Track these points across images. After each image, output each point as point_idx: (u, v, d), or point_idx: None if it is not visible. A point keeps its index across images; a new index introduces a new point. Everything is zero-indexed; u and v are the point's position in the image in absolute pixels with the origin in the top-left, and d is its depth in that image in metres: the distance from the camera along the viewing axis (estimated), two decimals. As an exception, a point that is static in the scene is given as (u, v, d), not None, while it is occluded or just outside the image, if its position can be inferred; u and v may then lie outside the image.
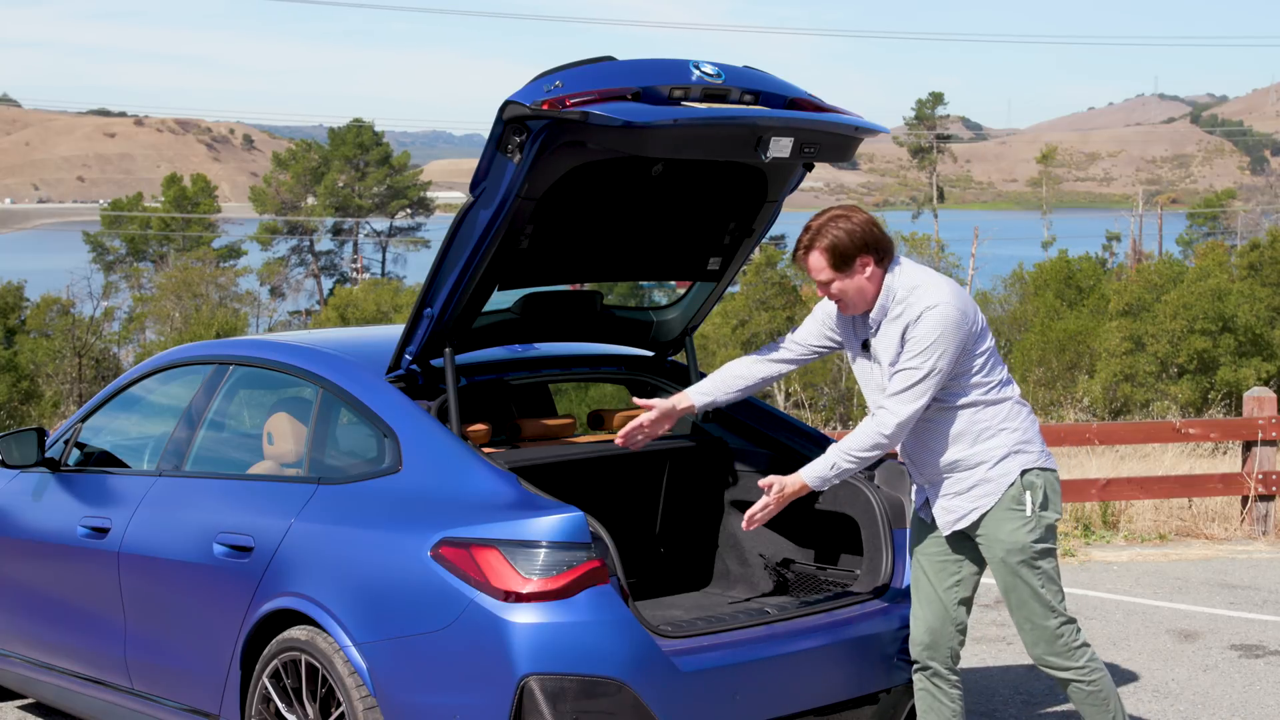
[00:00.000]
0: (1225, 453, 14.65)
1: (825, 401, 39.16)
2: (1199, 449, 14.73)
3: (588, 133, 4.44)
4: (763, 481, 4.83)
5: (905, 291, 4.74)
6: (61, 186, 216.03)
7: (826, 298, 4.85)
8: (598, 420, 5.82)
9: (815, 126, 4.78)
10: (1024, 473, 4.78)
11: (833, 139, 4.86)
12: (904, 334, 4.70)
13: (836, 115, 4.89)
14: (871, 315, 4.79)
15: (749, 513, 4.85)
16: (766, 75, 4.88)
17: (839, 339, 5.01)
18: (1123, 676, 7.08)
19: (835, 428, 23.33)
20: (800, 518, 5.57)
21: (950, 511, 4.86)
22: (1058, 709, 6.57)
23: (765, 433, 5.72)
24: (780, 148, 4.70)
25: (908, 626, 5.05)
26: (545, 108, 4.35)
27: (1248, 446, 11.02)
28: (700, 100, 4.62)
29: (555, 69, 4.50)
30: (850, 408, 37.80)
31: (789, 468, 5.54)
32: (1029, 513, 4.77)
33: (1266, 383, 33.28)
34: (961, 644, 4.96)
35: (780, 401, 32.21)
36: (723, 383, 5.06)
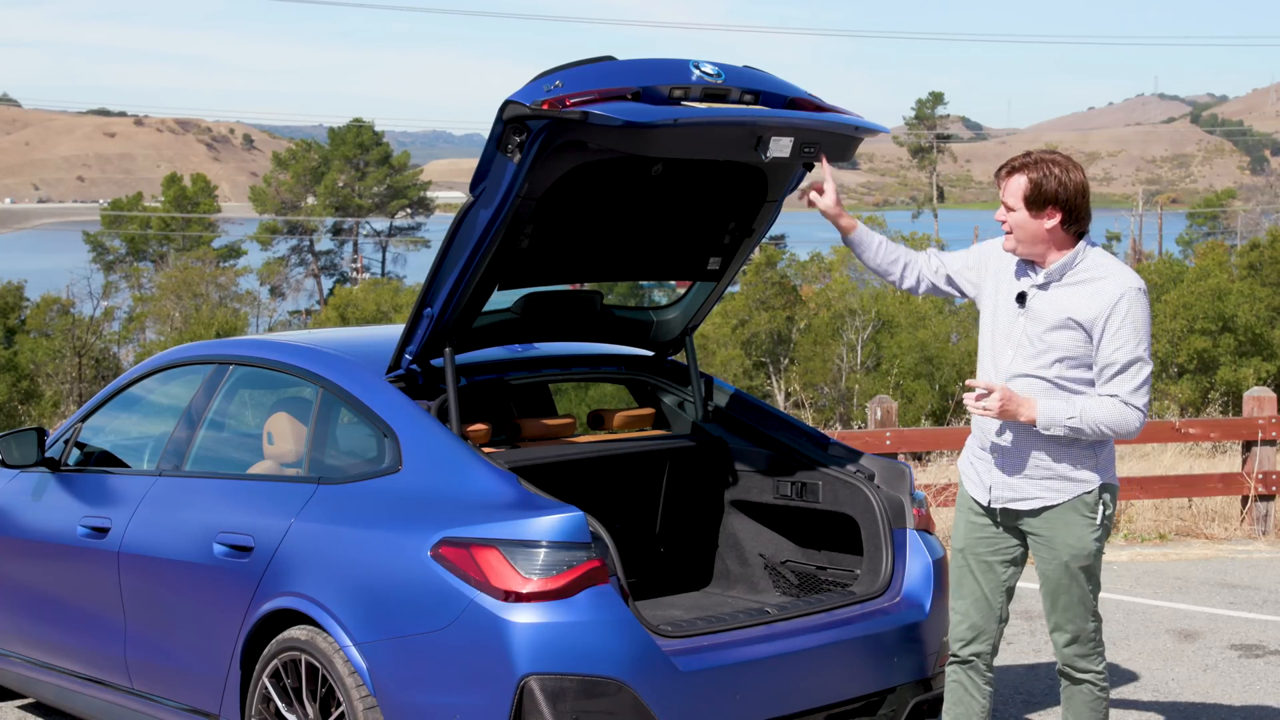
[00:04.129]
0: (1225, 452, 14.64)
1: (825, 401, 39.13)
2: (1199, 449, 14.73)
3: (588, 132, 4.44)
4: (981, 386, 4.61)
5: (1093, 263, 4.65)
6: (61, 186, 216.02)
7: (1002, 219, 4.73)
8: (598, 420, 5.82)
9: (815, 126, 4.79)
10: (1104, 487, 4.73)
11: (833, 139, 4.87)
12: (1113, 309, 4.54)
13: (836, 115, 4.89)
14: (1048, 268, 4.68)
15: (976, 384, 4.65)
16: (766, 75, 4.88)
17: (973, 285, 4.91)
18: (1123, 676, 7.08)
19: (835, 428, 23.34)
20: (800, 518, 5.57)
21: (1012, 489, 4.73)
22: (1058, 709, 6.56)
23: (765, 433, 5.72)
24: (780, 148, 4.70)
25: (908, 626, 5.05)
26: (545, 107, 4.35)
27: (1248, 446, 11.03)
28: (700, 100, 4.62)
29: (555, 69, 4.50)
30: (850, 407, 37.77)
31: (789, 468, 5.55)
32: (1098, 520, 4.71)
33: (1266, 383, 33.27)
34: (1001, 637, 4.92)
35: (780, 401, 32.21)
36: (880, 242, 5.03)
